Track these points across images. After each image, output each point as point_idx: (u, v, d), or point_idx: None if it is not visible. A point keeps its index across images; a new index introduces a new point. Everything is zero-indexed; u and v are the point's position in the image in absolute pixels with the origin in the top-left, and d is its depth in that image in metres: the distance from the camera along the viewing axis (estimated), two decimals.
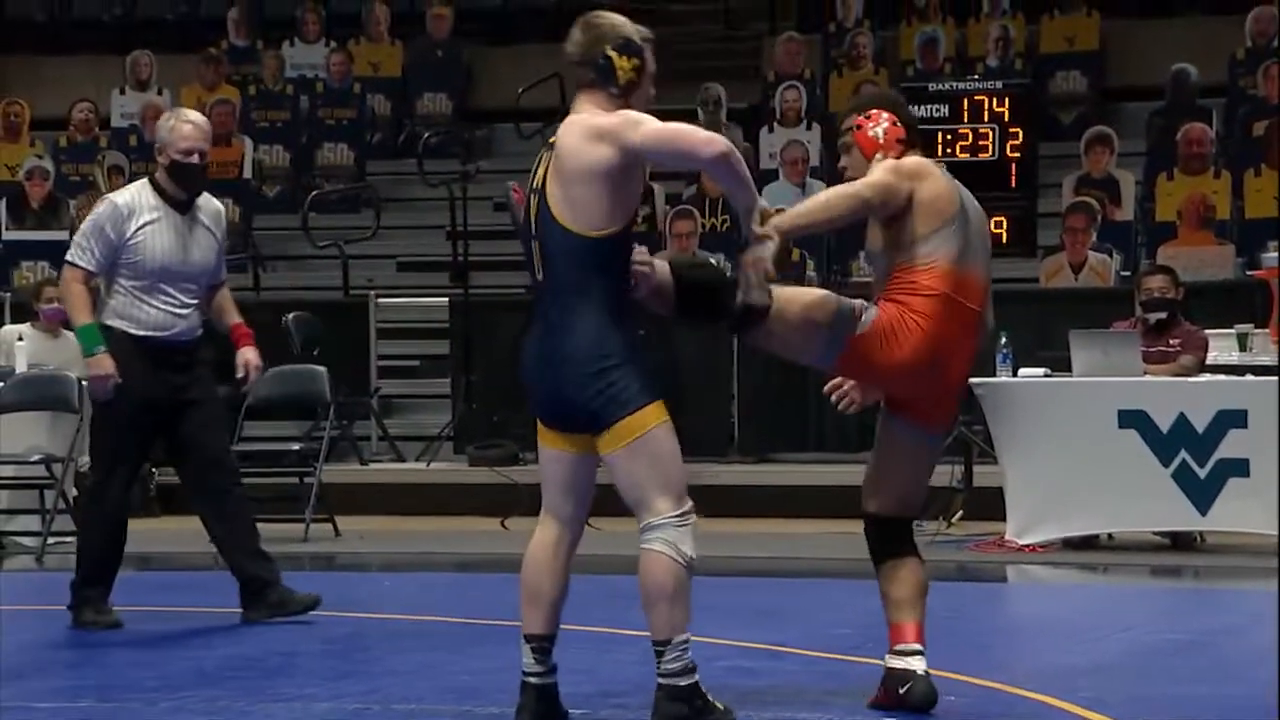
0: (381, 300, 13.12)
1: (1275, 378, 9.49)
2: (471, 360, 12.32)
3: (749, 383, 11.83)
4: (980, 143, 11.32)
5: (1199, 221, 12.47)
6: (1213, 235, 12.50)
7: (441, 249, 13.91)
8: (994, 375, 9.57)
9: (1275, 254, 11.08)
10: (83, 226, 7.28)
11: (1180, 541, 9.66)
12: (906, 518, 5.49)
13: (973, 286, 5.38)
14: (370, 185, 14.99)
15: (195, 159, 7.18)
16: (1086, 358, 9.49)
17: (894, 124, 5.46)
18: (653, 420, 5.03)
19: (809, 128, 14.20)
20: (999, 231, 10.94)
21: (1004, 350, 9.68)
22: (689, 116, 14.56)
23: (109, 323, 7.15)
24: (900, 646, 5.39)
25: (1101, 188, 12.89)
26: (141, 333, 7.12)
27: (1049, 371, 9.68)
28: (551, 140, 5.14)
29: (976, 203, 5.50)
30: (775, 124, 14.31)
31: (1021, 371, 9.64)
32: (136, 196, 7.19)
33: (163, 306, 7.14)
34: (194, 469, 7.32)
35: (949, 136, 11.32)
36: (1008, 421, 9.39)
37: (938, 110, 11.94)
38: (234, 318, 7.40)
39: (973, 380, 5.91)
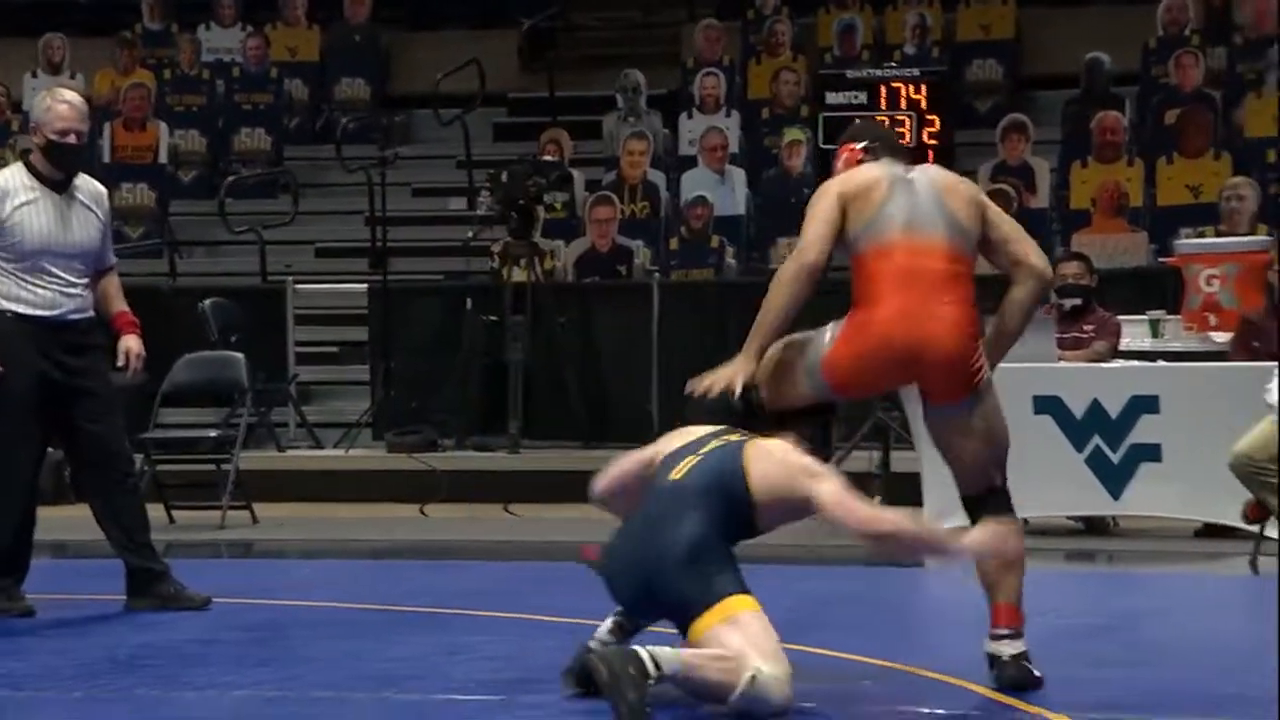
0: (299, 286, 13.05)
1: (1187, 363, 9.61)
2: (390, 346, 12.28)
3: (669, 368, 11.83)
4: (897, 130, 11.35)
5: (1113, 209, 12.59)
6: (1126, 222, 12.63)
7: (360, 235, 13.85)
8: None
9: (1188, 241, 11.19)
10: None
11: (1094, 526, 9.75)
12: (972, 496, 5.47)
13: (926, 250, 5.33)
14: (288, 170, 14.90)
15: (71, 139, 7.07)
16: None
17: (850, 150, 5.60)
18: (744, 605, 5.09)
19: (728, 114, 14.23)
20: None
21: None
22: (608, 103, 14.62)
23: None
24: (992, 630, 5.50)
25: (1017, 175, 12.99)
26: (30, 312, 7.03)
27: None
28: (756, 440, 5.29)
29: (938, 174, 5.53)
30: (694, 110, 14.33)
31: None
32: (10, 179, 7.10)
33: (48, 286, 7.04)
34: (87, 460, 7.24)
35: None
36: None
37: (855, 97, 11.99)
38: (119, 305, 7.29)
39: None
